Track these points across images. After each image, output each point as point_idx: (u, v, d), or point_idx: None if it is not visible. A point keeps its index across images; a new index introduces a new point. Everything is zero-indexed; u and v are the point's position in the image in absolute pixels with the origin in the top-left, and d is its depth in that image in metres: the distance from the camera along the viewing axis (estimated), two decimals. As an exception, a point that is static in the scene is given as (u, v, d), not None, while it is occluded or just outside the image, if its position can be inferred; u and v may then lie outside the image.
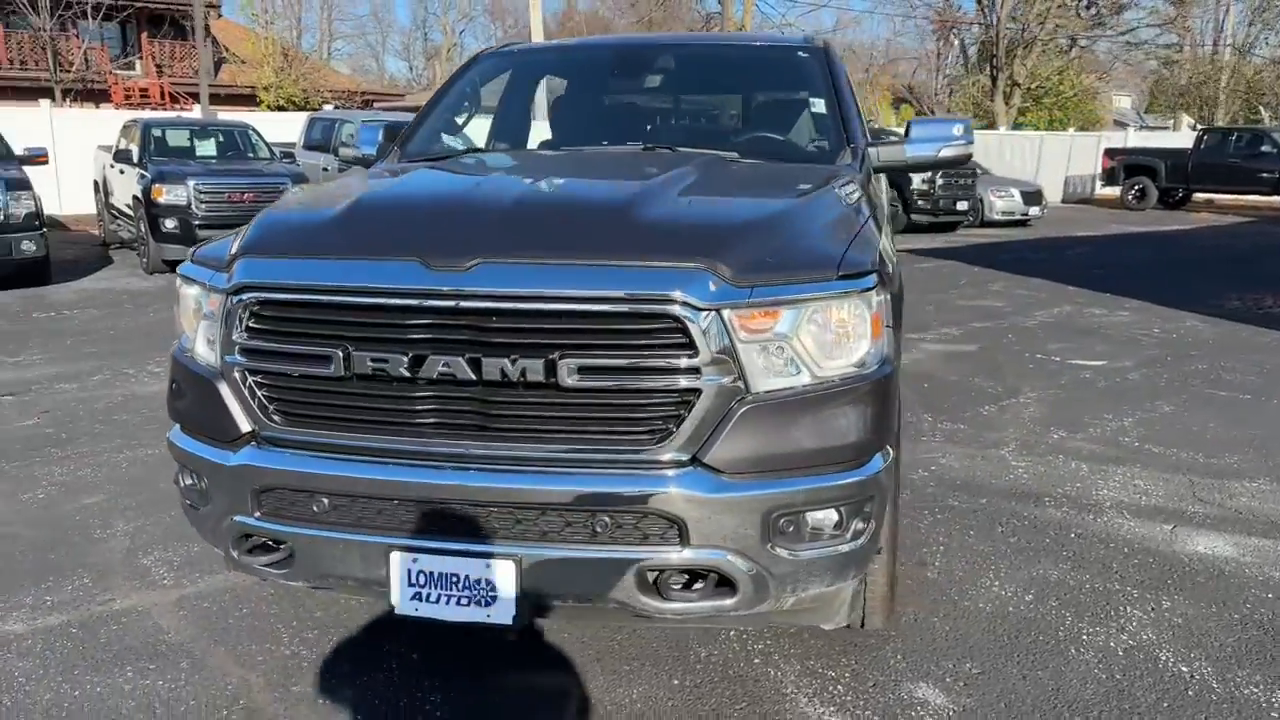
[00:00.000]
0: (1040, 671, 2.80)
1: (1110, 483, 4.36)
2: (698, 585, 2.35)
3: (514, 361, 2.20)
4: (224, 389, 2.46)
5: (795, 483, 2.30)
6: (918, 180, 17.43)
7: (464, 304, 2.22)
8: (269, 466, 2.41)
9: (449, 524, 2.32)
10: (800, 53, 3.87)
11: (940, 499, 4.14)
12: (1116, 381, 6.26)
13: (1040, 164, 26.63)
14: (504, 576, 2.29)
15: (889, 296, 2.49)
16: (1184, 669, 2.80)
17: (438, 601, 2.34)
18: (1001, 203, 19.46)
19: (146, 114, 18.03)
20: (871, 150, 3.53)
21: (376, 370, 2.28)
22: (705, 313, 2.17)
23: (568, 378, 2.20)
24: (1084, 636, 2.99)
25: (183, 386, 2.61)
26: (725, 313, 2.19)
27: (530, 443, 2.27)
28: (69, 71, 27.24)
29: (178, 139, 13.21)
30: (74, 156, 16.60)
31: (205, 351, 2.51)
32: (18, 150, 11.17)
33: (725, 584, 2.33)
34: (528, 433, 2.27)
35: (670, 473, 2.24)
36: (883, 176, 4.41)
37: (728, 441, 2.24)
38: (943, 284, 10.82)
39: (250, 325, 2.39)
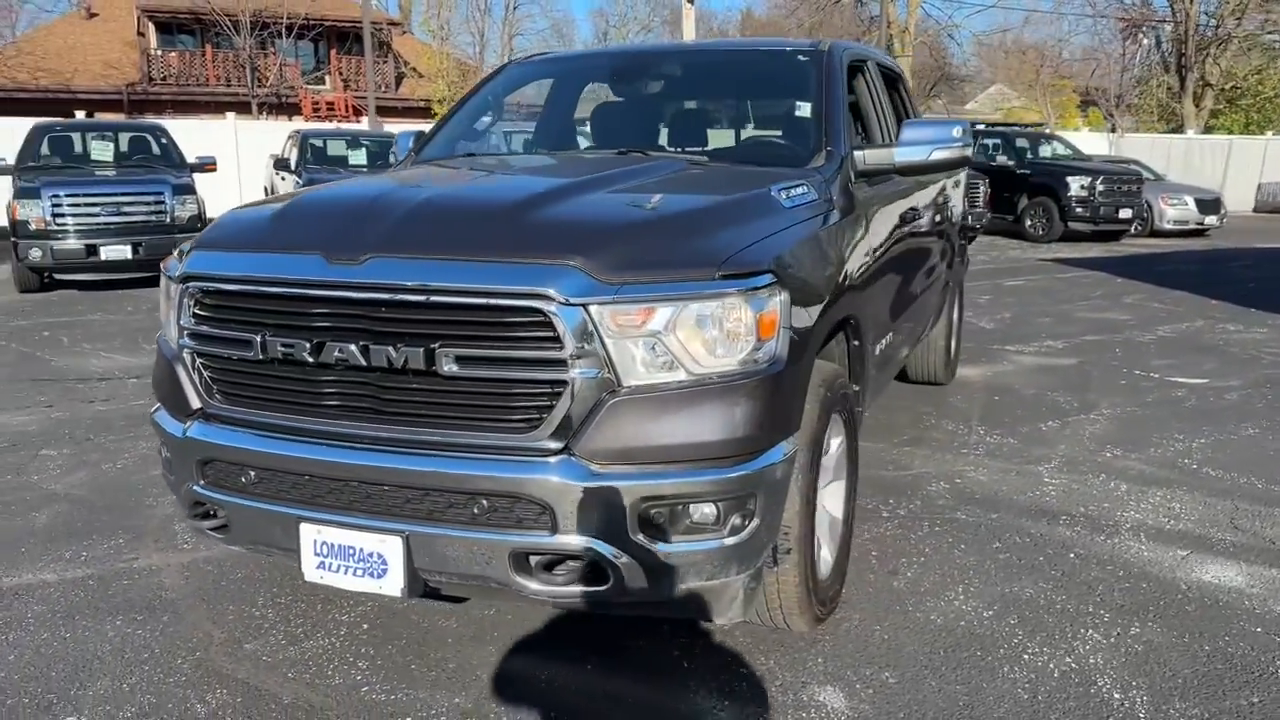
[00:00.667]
0: (959, 687, 2.72)
1: (1143, 505, 4.11)
2: (570, 570, 2.44)
3: (398, 350, 2.37)
4: (179, 369, 2.74)
5: (665, 476, 2.36)
6: (1075, 186, 16.61)
7: (355, 295, 2.40)
8: (209, 440, 2.67)
9: (348, 500, 2.51)
10: (800, 56, 3.87)
11: (948, 511, 4.02)
12: (1209, 401, 5.84)
13: (1229, 170, 24.72)
14: (393, 552, 2.45)
15: (786, 298, 2.50)
16: (1116, 696, 2.66)
17: (338, 571, 2.53)
18: (1173, 211, 18.25)
19: (308, 125, 19.37)
20: (859, 154, 3.50)
21: (286, 354, 2.49)
22: (571, 308, 2.27)
23: (446, 366, 2.35)
24: (1025, 656, 2.88)
25: (158, 366, 2.91)
26: (593, 309, 2.28)
27: (417, 427, 2.43)
28: (264, 86, 29.55)
29: (335, 149, 14.22)
30: (256, 165, 18.06)
31: (172, 334, 2.80)
32: (190, 159, 12.31)
33: (597, 571, 2.41)
34: (414, 417, 2.43)
35: (541, 460, 2.35)
36: (960, 178, 4.32)
37: (597, 433, 2.33)
38: (1074, 295, 10.30)
39: (195, 311, 2.66)
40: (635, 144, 3.76)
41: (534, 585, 2.45)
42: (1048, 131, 21.21)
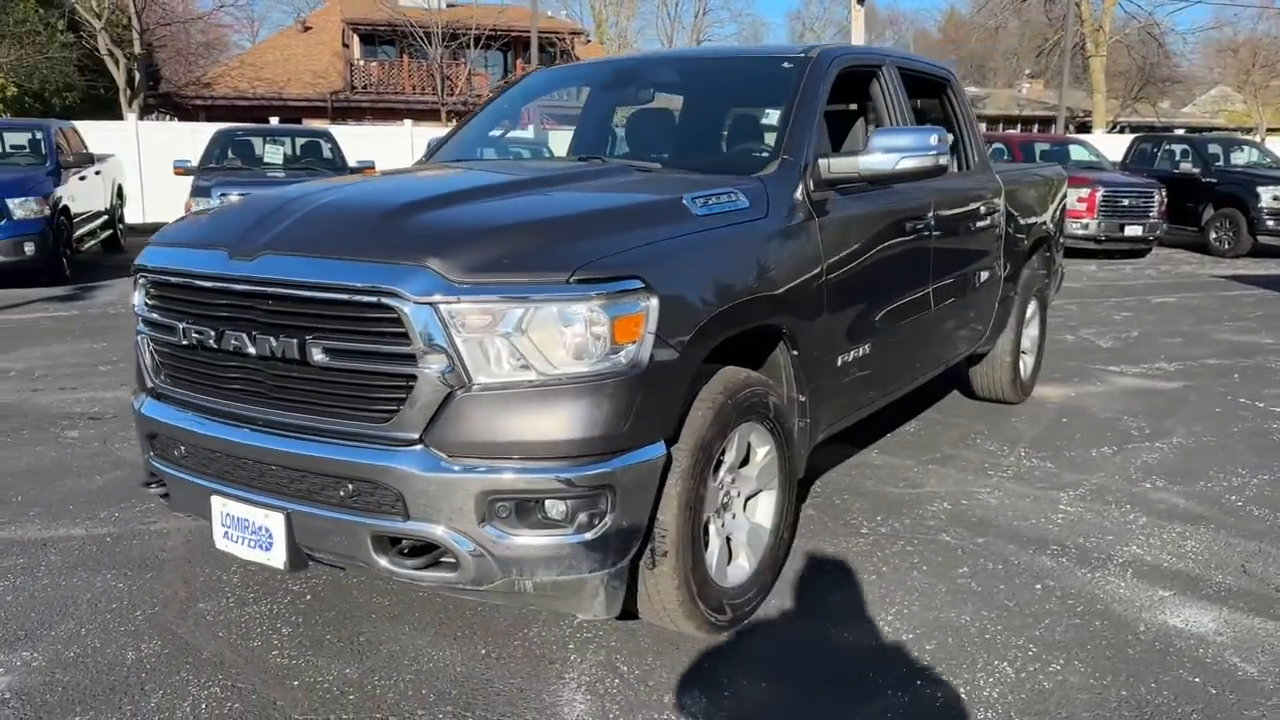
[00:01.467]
0: (827, 703, 2.67)
1: (1152, 540, 3.82)
2: (424, 556, 2.57)
3: (278, 340, 2.58)
4: (138, 350, 3.07)
5: (507, 471, 2.46)
6: (1267, 197, 15.22)
7: (245, 288, 2.63)
8: (153, 416, 2.98)
9: (246, 477, 2.75)
10: (784, 64, 3.83)
11: (933, 532, 3.89)
12: (1305, 435, 5.31)
13: None
14: (277, 527, 2.67)
15: (656, 304, 2.54)
16: (987, 731, 2.54)
17: (238, 542, 2.77)
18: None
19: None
20: (824, 162, 3.46)
21: (199, 341, 2.75)
22: (420, 306, 2.40)
23: (317, 357, 2.54)
24: (917, 683, 2.78)
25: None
26: (442, 308, 2.41)
27: (297, 412, 2.64)
28: (454, 94, 31.18)
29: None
30: (424, 167, 19.14)
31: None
32: (352, 162, 13.22)
33: (448, 558, 2.53)
34: (295, 403, 2.64)
35: (397, 450, 2.50)
36: (1053, 189, 4.17)
37: (447, 426, 2.46)
38: (1223, 315, 9.50)
39: (144, 299, 2.97)
40: (618, 150, 3.85)
41: (393, 568, 2.60)
42: (1244, 136, 19.49)
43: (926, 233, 4.19)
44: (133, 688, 2.76)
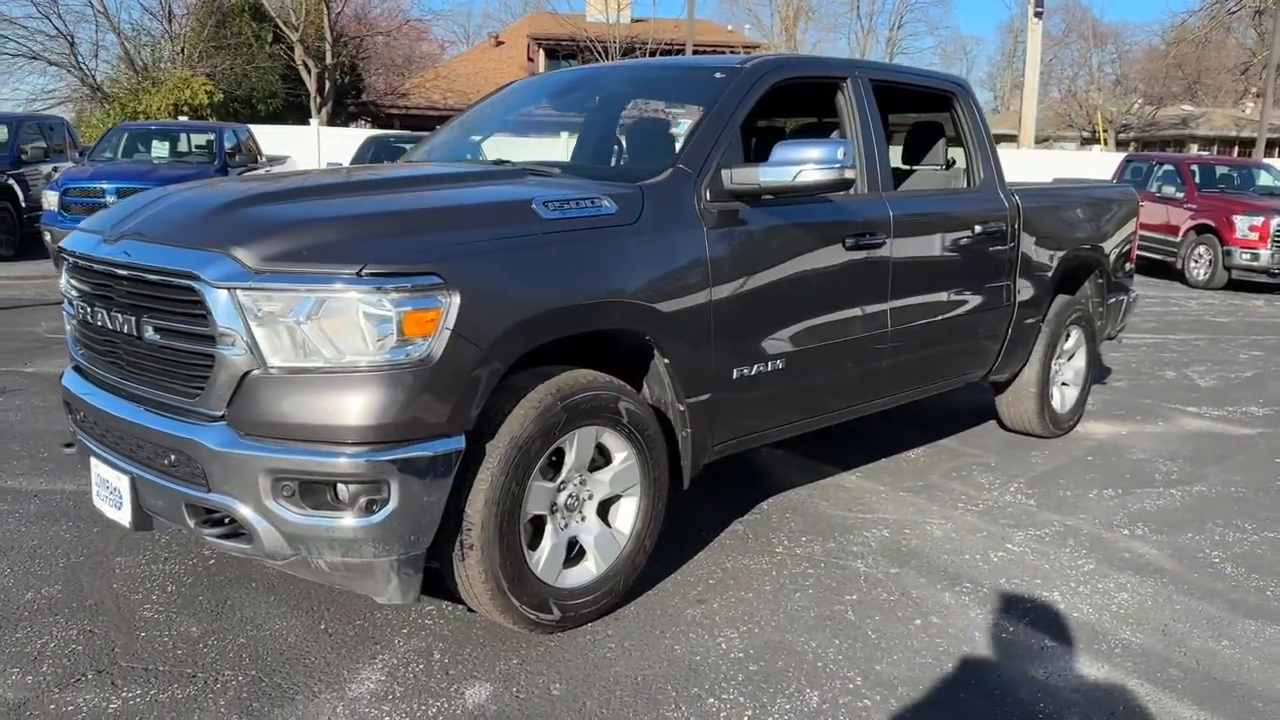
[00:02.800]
0: (600, 710, 2.65)
1: (1079, 589, 3.53)
2: (227, 525, 2.75)
3: (123, 316, 2.83)
4: (66, 325, 3.42)
5: (296, 452, 2.60)
6: None
7: (104, 269, 2.90)
8: (65, 383, 3.31)
9: (110, 440, 3.02)
10: (716, 74, 3.80)
11: (849, 559, 3.74)
12: (1360, 495, 4.71)
13: None
14: (124, 488, 2.92)
15: (458, 300, 2.62)
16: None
17: (103, 501, 3.06)
18: None
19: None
20: (726, 173, 3.42)
21: (82, 315, 3.05)
22: (218, 290, 2.59)
23: (147, 334, 2.77)
24: (709, 701, 2.71)
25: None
26: (238, 293, 2.58)
27: (141, 384, 2.88)
28: (628, 106, 31.88)
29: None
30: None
31: (74, 297, 3.48)
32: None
33: (244, 530, 2.70)
34: (138, 376, 2.89)
35: (204, 425, 2.70)
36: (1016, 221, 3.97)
37: (244, 405, 2.64)
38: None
39: (66, 278, 3.30)
40: (553, 156, 3.92)
41: (203, 533, 2.79)
42: None
43: (880, 250, 4.03)
44: (7, 624, 3.08)
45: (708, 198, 3.39)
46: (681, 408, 3.34)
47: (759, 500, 4.36)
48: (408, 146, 14.51)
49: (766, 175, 3.38)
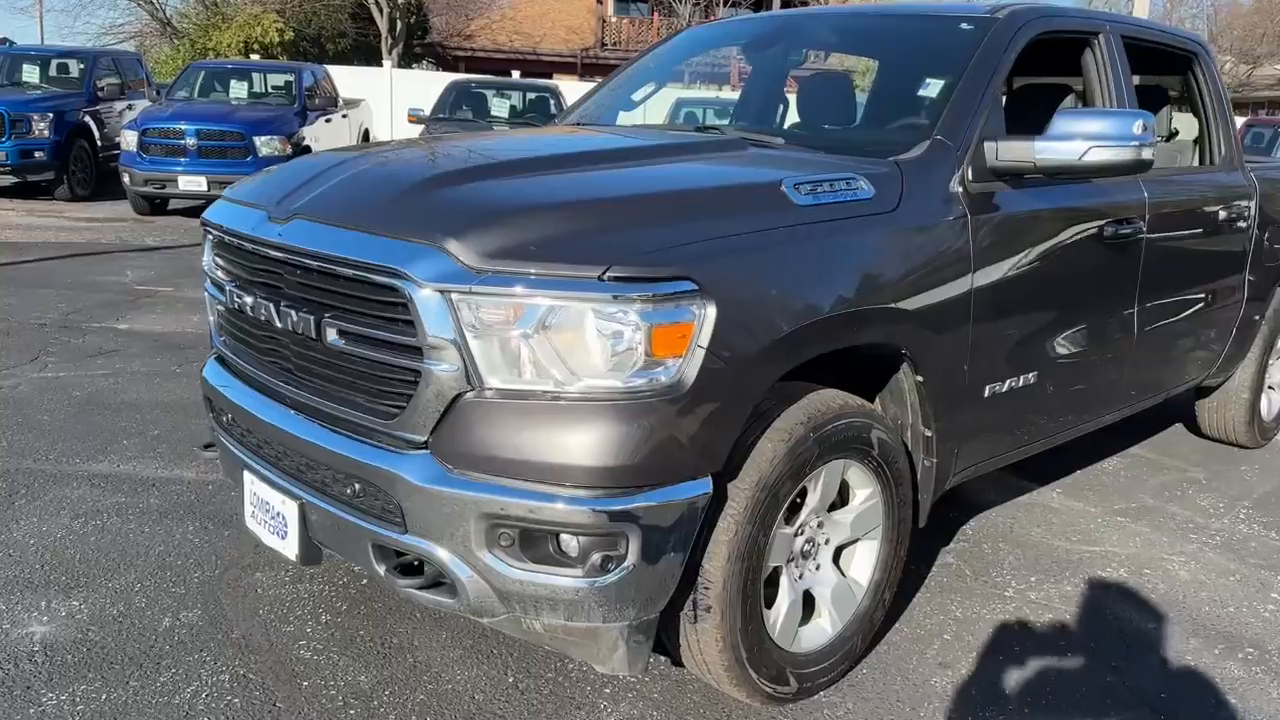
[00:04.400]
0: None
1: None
2: (424, 574, 2.27)
3: (298, 314, 2.33)
4: (208, 309, 2.93)
5: (517, 494, 2.11)
6: None
7: (275, 254, 2.40)
8: (208, 378, 2.84)
9: (272, 454, 2.55)
10: (963, 25, 3.17)
11: (1096, 607, 3.19)
12: None
13: None
14: (292, 516, 2.45)
15: (714, 312, 2.09)
16: None
17: (261, 525, 2.59)
18: None
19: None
20: (990, 146, 2.83)
21: (239, 305, 2.56)
22: (428, 292, 2.08)
23: (330, 338, 2.27)
24: None
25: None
26: (454, 296, 2.07)
27: (316, 395, 2.40)
28: (699, 53, 30.85)
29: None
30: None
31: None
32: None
33: (445, 581, 2.21)
34: (313, 385, 2.40)
35: (402, 452, 2.21)
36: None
37: (451, 432, 2.14)
38: None
39: (212, 256, 2.81)
40: (757, 119, 3.36)
41: (394, 581, 2.31)
42: None
43: (1136, 241, 3.42)
44: (149, 661, 2.64)
45: (969, 176, 2.80)
46: (929, 433, 2.79)
47: (960, 522, 3.81)
48: (489, 93, 14.09)
49: (1045, 152, 2.78)
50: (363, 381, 2.27)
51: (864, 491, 2.64)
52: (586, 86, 19.95)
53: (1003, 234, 2.87)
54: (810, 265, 2.36)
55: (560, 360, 2.07)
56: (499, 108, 13.47)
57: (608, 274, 2.04)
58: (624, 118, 3.92)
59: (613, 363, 2.06)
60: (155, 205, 11.80)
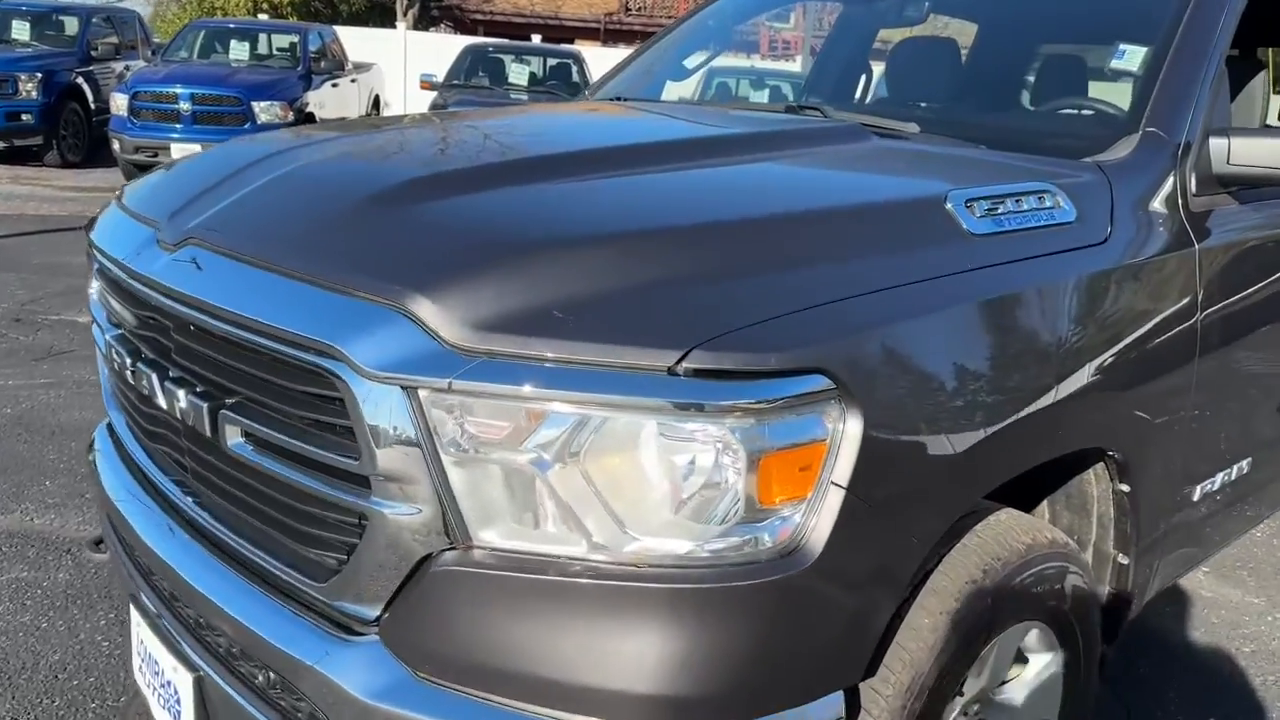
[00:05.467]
0: None
1: None
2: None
3: (188, 396, 1.48)
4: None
5: (524, 726, 1.25)
6: None
7: (154, 296, 1.54)
8: (93, 459, 2.01)
9: (164, 592, 1.70)
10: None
11: None
12: None
13: None
14: (185, 691, 1.61)
15: (859, 424, 1.23)
16: None
17: (148, 687, 1.76)
18: None
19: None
20: (1218, 143, 1.93)
21: (117, 364, 1.71)
22: (380, 386, 1.22)
23: (232, 439, 1.42)
24: None
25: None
26: (422, 394, 1.21)
27: (220, 523, 1.55)
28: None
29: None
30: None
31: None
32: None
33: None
34: (217, 507, 1.55)
35: (333, 636, 1.36)
36: None
37: (416, 612, 1.29)
38: None
39: (96, 284, 1.96)
40: (868, 97, 2.47)
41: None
42: None
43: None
44: None
45: (1192, 188, 1.92)
46: (1125, 560, 1.92)
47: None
48: (507, 58, 13.14)
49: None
50: (281, 515, 1.42)
51: (1043, 659, 1.77)
52: (609, 53, 19.03)
53: (1238, 273, 1.99)
54: (998, 336, 1.49)
55: (602, 507, 1.21)
56: (518, 74, 12.51)
57: (684, 364, 1.17)
58: (672, 90, 3.04)
59: (689, 512, 1.20)
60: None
